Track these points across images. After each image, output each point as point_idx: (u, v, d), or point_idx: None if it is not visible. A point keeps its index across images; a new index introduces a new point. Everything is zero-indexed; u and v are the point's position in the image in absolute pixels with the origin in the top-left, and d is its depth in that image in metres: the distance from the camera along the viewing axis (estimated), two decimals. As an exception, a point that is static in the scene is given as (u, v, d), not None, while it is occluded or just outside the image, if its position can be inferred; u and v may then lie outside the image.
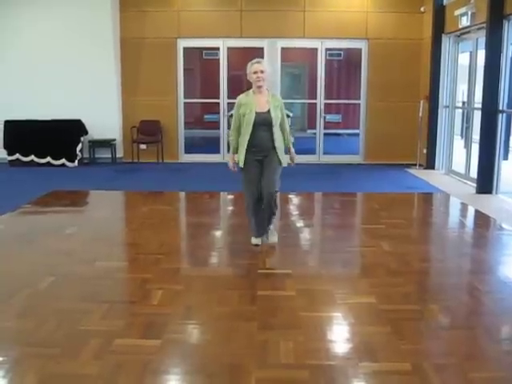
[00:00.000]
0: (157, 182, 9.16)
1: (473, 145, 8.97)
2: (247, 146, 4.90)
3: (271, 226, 5.29)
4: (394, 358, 3.07)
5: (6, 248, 5.27)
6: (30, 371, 2.89)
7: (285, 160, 5.06)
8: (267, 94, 4.96)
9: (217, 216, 7.16)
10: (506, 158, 9.26)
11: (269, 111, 4.88)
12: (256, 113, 4.85)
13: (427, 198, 8.09)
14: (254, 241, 5.25)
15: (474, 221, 7.10)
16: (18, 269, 4.59)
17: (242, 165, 4.97)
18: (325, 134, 11.38)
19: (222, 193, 8.13)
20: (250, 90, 4.99)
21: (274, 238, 5.32)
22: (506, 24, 7.74)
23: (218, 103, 11.21)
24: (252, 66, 4.86)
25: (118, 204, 7.86)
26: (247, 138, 4.89)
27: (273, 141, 4.93)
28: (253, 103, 4.88)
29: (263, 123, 4.87)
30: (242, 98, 4.98)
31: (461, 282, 4.47)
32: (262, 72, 4.83)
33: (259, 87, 4.89)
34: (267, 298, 3.93)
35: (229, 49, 11.05)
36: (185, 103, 11.28)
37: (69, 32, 10.45)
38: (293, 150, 5.19)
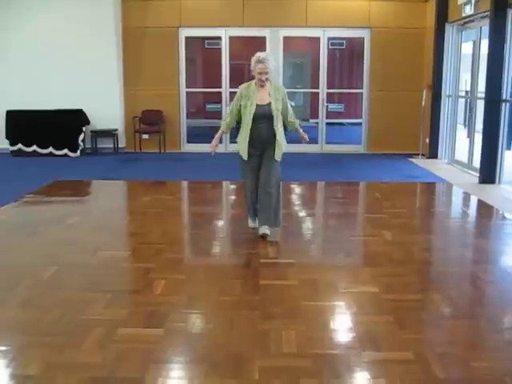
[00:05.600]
0: (159, 171, 9.15)
1: (476, 134, 8.94)
2: (249, 138, 4.90)
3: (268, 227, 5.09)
4: (397, 347, 3.07)
5: (9, 238, 5.27)
6: (33, 360, 2.90)
7: (281, 154, 5.02)
8: (270, 87, 4.93)
9: (219, 206, 7.16)
10: (509, 147, 9.23)
11: (269, 104, 4.86)
12: (257, 105, 4.84)
13: (430, 187, 8.08)
14: (251, 224, 5.33)
15: (476, 210, 7.09)
16: (21, 259, 4.60)
17: (245, 158, 4.96)
18: (327, 124, 11.35)
19: (224, 182, 8.12)
20: (253, 82, 4.95)
21: (266, 230, 5.06)
22: (509, 13, 7.67)
23: (220, 92, 11.17)
24: (256, 66, 4.78)
25: (120, 194, 7.86)
26: (248, 130, 4.87)
27: (274, 134, 4.92)
28: (254, 96, 4.86)
29: (263, 116, 4.86)
30: (243, 88, 4.95)
31: (463, 271, 4.47)
32: (266, 74, 4.79)
33: (262, 86, 4.88)
34: (270, 288, 3.94)
35: (231, 38, 10.99)
36: (187, 93, 11.24)
37: (70, 22, 10.38)
38: (301, 130, 5.19)
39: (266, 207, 5.01)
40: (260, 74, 4.78)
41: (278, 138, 4.92)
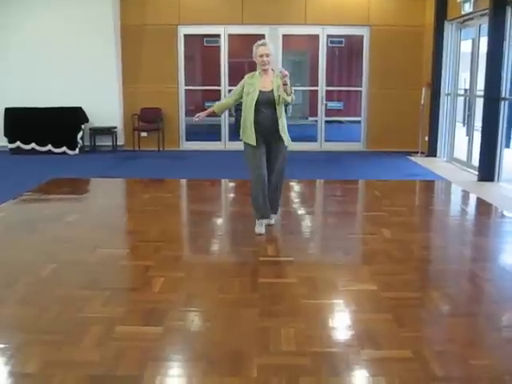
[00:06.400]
0: (158, 169, 9.15)
1: (475, 132, 8.94)
2: (254, 124, 4.97)
3: (274, 216, 5.47)
4: (395, 345, 3.07)
5: (7, 236, 5.26)
6: (31, 358, 2.90)
7: (289, 140, 5.12)
8: (272, 74, 5.07)
9: (218, 203, 7.15)
10: (507, 145, 9.23)
11: (272, 91, 4.97)
12: (260, 91, 4.96)
13: (429, 185, 8.08)
14: (258, 229, 5.18)
15: (475, 208, 7.09)
16: (19, 256, 4.59)
17: (254, 143, 5.00)
18: (326, 122, 11.34)
19: (223, 180, 8.12)
20: (257, 71, 5.10)
21: (271, 220, 5.44)
22: (509, 10, 7.66)
23: (219, 90, 11.15)
24: (257, 49, 4.97)
25: (118, 192, 7.86)
26: (252, 117, 4.96)
27: (277, 120, 5.00)
28: (257, 83, 5.00)
29: (266, 102, 4.97)
30: (248, 77, 5.12)
31: (462, 269, 4.47)
32: (267, 56, 4.95)
33: (265, 70, 5.01)
34: (269, 286, 3.93)
35: (230, 36, 10.98)
36: (185, 90, 11.23)
37: (70, 20, 10.35)
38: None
39: (276, 198, 5.35)
40: (261, 56, 4.95)
41: (280, 124, 4.99)
